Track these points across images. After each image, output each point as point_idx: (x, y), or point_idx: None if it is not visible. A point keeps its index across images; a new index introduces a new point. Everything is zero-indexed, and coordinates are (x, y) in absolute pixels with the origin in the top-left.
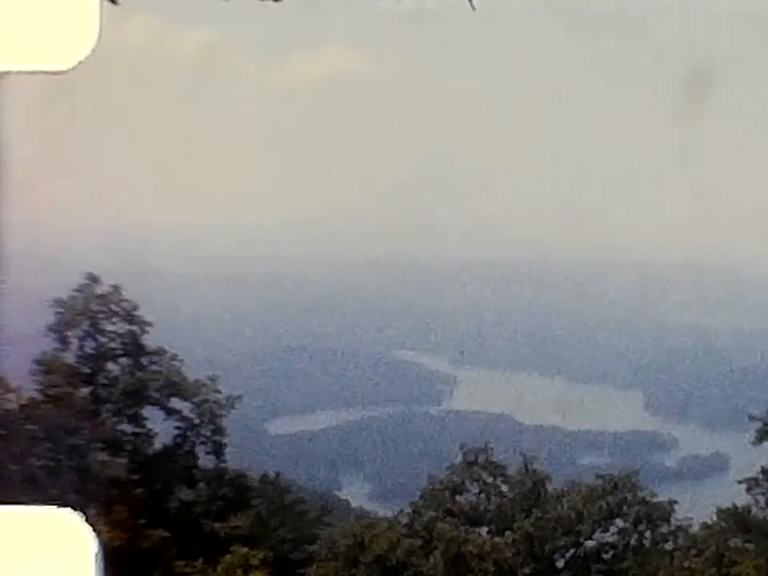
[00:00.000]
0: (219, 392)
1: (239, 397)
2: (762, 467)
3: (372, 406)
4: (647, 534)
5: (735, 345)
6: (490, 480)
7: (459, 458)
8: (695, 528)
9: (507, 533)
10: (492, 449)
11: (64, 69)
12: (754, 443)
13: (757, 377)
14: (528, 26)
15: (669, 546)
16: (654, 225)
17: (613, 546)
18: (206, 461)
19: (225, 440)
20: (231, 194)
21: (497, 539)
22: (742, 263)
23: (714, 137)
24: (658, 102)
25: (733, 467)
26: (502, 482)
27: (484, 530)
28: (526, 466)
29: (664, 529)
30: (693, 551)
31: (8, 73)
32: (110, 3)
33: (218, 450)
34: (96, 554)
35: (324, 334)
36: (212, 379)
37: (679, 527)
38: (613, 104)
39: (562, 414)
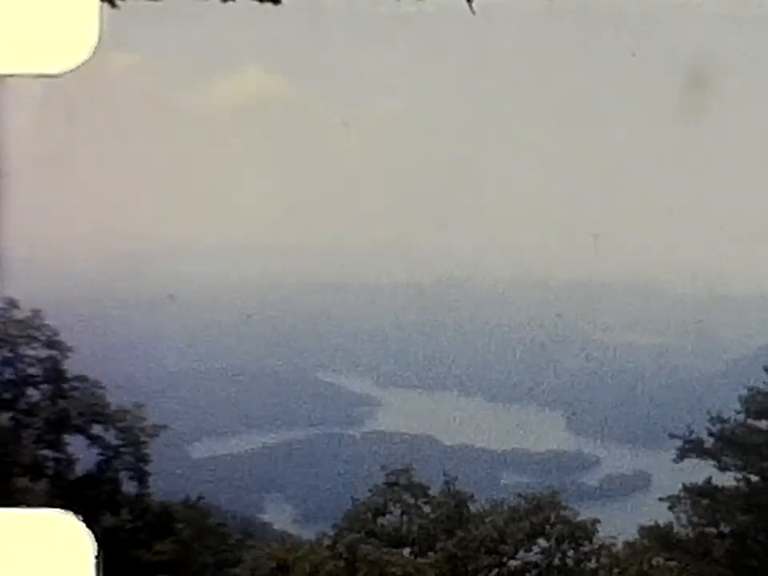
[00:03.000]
0: (144, 419)
1: (165, 426)
2: (684, 485)
3: (294, 428)
4: (570, 553)
5: (656, 363)
6: (412, 501)
7: (381, 480)
8: (618, 547)
9: (430, 553)
10: (414, 470)
11: (64, 72)
12: (675, 461)
13: (678, 395)
14: (528, 28)
15: (592, 564)
16: (576, 242)
17: (536, 566)
18: (129, 487)
19: (148, 466)
20: (151, 214)
21: (420, 560)
22: (664, 281)
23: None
24: (658, 104)
25: (655, 485)
26: (425, 502)
27: (407, 551)
28: (448, 487)
29: (587, 548)
30: (616, 570)
31: (8, 76)
32: (109, 7)
33: (141, 476)
34: (94, 557)
35: (245, 355)
36: (137, 406)
37: (602, 546)
38: (613, 107)
39: (483, 433)
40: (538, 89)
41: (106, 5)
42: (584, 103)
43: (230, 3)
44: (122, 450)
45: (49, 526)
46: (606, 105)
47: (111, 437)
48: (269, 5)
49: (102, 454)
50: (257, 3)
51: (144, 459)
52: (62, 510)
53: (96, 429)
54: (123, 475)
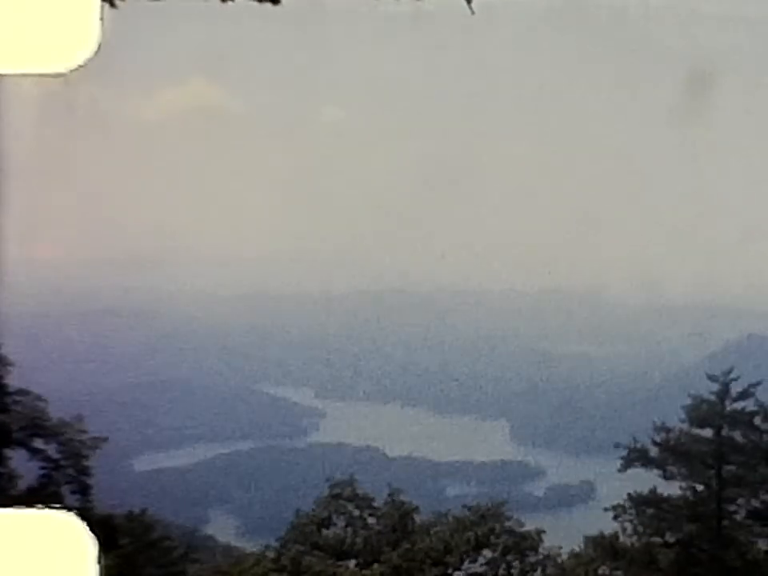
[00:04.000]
0: (85, 431)
1: (106, 438)
2: (629, 494)
3: (237, 441)
4: (516, 563)
5: (600, 372)
6: (356, 513)
7: (326, 492)
8: (564, 557)
9: (375, 565)
10: (358, 481)
11: (65, 71)
12: (619, 470)
13: (622, 404)
14: (528, 28)
15: (537, 575)
16: (524, 254)
17: None
18: (71, 500)
19: (90, 480)
20: (94, 229)
21: (365, 572)
22: (608, 291)
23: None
24: (658, 105)
25: (600, 495)
26: (369, 514)
27: (352, 563)
28: (392, 498)
29: (532, 558)
30: None
31: (8, 76)
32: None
33: (83, 489)
34: (95, 557)
35: (188, 368)
36: (78, 419)
37: (547, 556)
38: (613, 107)
39: (428, 445)
40: (537, 88)
41: (105, 5)
42: (584, 103)
43: (230, 3)
44: (62, 463)
45: (49, 526)
46: (606, 105)
47: (52, 450)
48: (268, 5)
49: (43, 468)
50: (256, 4)
51: (85, 472)
52: (63, 511)
53: (37, 442)
54: (66, 489)
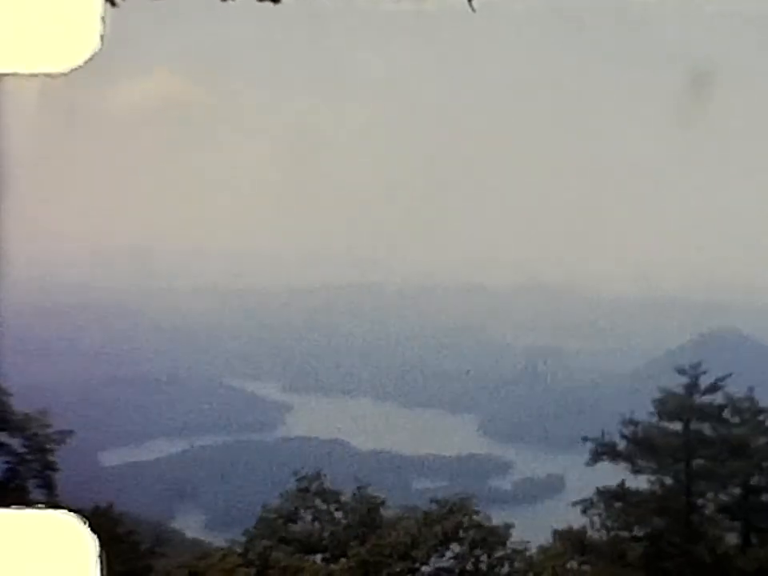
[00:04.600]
0: (49, 425)
1: (71, 431)
2: (597, 488)
3: (204, 435)
4: (483, 558)
5: (569, 366)
6: (324, 507)
7: (293, 486)
8: (532, 551)
9: (342, 559)
10: (325, 475)
11: (66, 71)
12: (588, 464)
13: (590, 398)
14: (528, 28)
15: (505, 569)
16: (496, 247)
17: (449, 571)
18: (37, 494)
19: (56, 474)
20: (61, 225)
21: (332, 566)
22: (582, 286)
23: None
24: (658, 105)
25: (568, 489)
26: (336, 508)
27: (319, 557)
28: (360, 492)
29: (500, 552)
30: (530, 574)
31: (9, 75)
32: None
33: (49, 484)
34: (97, 557)
35: (155, 362)
36: (42, 413)
37: (515, 550)
38: (612, 106)
39: (395, 438)
40: (537, 88)
41: (106, 4)
42: (583, 103)
43: (230, 3)
44: (27, 457)
45: (51, 526)
46: (606, 104)
47: (17, 444)
48: (269, 4)
49: (8, 462)
50: (257, 3)
51: (51, 466)
52: (64, 511)
53: (1, 436)
54: (31, 483)
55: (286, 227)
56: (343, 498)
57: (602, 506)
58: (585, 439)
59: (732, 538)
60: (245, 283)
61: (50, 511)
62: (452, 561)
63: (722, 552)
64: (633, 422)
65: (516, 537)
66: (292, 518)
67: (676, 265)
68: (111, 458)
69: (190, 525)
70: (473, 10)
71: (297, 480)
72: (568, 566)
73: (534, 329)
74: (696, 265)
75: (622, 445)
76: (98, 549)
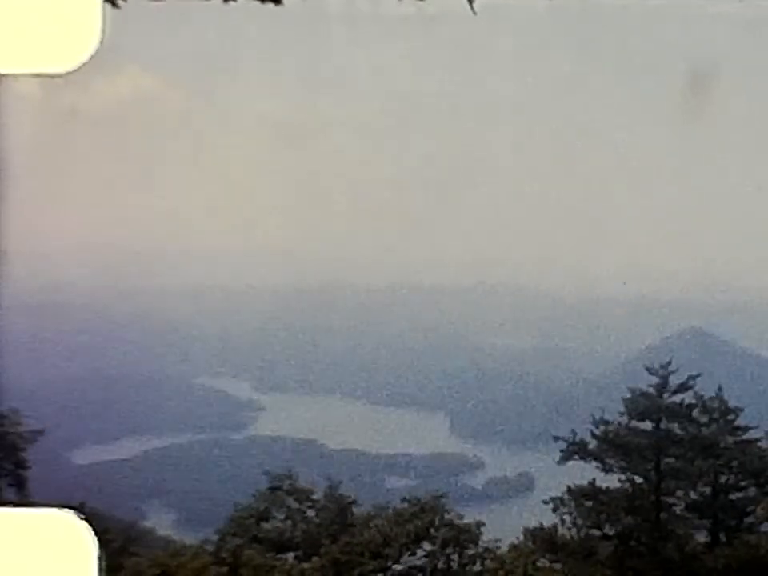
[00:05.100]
0: (20, 424)
1: (41, 431)
2: (568, 487)
3: (176, 434)
4: (455, 556)
5: (540, 365)
6: (296, 506)
7: (265, 485)
8: (503, 549)
9: (314, 558)
10: (297, 474)
11: (66, 71)
12: (558, 463)
13: (561, 397)
14: (528, 29)
15: (477, 567)
16: (469, 247)
17: (421, 570)
18: (8, 493)
19: (27, 472)
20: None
21: (304, 565)
22: (553, 287)
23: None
24: (658, 104)
25: (539, 487)
26: (308, 507)
27: (291, 555)
28: (332, 491)
29: (472, 551)
30: (501, 573)
31: (10, 76)
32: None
33: (20, 482)
34: (97, 556)
35: (126, 360)
36: (14, 412)
37: (487, 549)
38: (613, 106)
39: (367, 437)
40: (538, 89)
41: (107, 5)
42: (583, 104)
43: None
44: None
45: (51, 525)
46: (606, 104)
47: None
48: (270, 5)
49: None
50: (259, 4)
51: (22, 465)
52: (64, 510)
53: None
54: (2, 482)
55: (260, 226)
56: (315, 497)
57: (572, 504)
58: (556, 438)
59: (701, 537)
60: (216, 282)
61: (50, 510)
62: (424, 559)
63: (691, 550)
64: (603, 422)
65: (487, 535)
66: (264, 516)
67: (646, 265)
68: (83, 457)
69: (162, 523)
70: (474, 12)
71: (269, 479)
72: (539, 564)
73: (505, 329)
74: (666, 265)
75: (592, 444)
76: (97, 548)
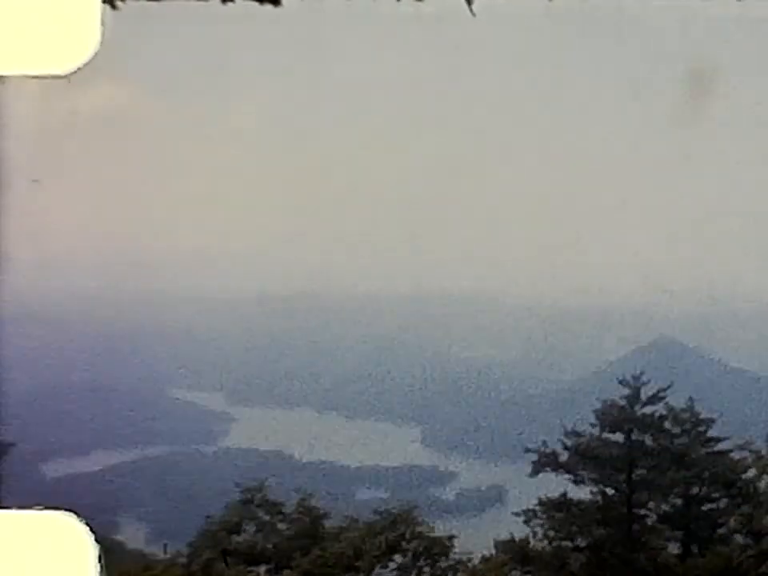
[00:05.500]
0: None
1: (13, 444)
2: (539, 498)
3: (148, 446)
4: (427, 569)
5: (511, 377)
6: (267, 518)
7: (236, 497)
8: (475, 561)
9: (286, 571)
10: (268, 486)
11: (66, 73)
12: (530, 475)
13: (533, 408)
14: (528, 29)
15: None
16: (438, 258)
17: None
18: None
19: None
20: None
21: None
22: (524, 297)
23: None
24: (658, 105)
25: (510, 499)
26: (280, 520)
27: (262, 568)
28: (303, 503)
29: (443, 563)
30: None
31: (11, 77)
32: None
33: None
34: (96, 557)
35: (96, 373)
36: None
37: (459, 561)
38: (613, 106)
39: (338, 449)
40: (537, 90)
41: (106, 6)
42: (584, 103)
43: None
44: None
45: (51, 527)
46: (606, 104)
47: None
48: (269, 6)
49: None
50: (258, 6)
51: None
52: (64, 512)
53: None
54: None
55: (231, 234)
56: (286, 510)
57: (544, 516)
58: (527, 450)
59: (673, 548)
60: (187, 293)
61: (50, 512)
62: (395, 572)
63: (663, 562)
64: (575, 433)
65: (459, 547)
66: (235, 529)
67: (617, 275)
68: (55, 469)
69: (133, 536)
70: (473, 14)
71: (240, 491)
72: (511, 575)
73: (476, 341)
74: (637, 275)
75: (564, 456)
76: (96, 549)
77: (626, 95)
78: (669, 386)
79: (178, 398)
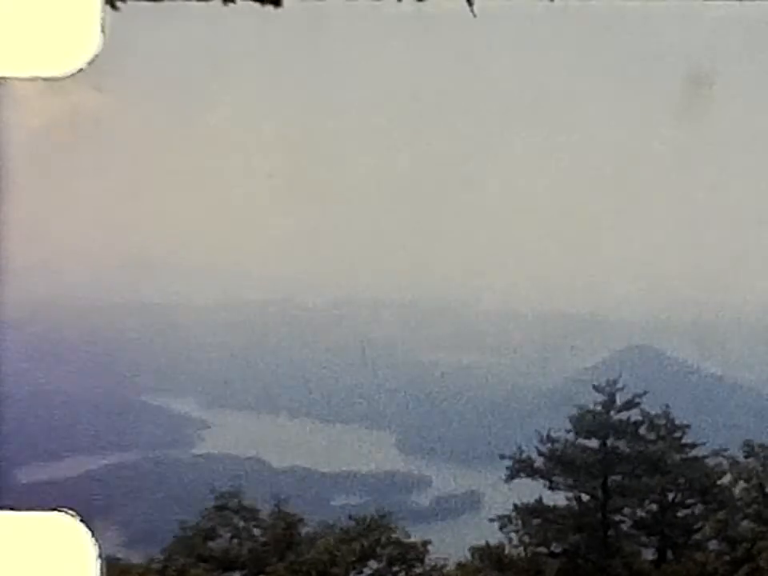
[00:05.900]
0: None
1: None
2: (515, 504)
3: (122, 452)
4: (402, 574)
5: (485, 382)
6: (242, 524)
7: (211, 503)
8: (450, 567)
9: None
10: (244, 492)
11: (66, 75)
12: (505, 481)
13: (508, 414)
14: (528, 29)
15: None
16: (412, 263)
17: None
18: None
19: None
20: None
21: None
22: (499, 303)
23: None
24: (658, 104)
25: (485, 505)
26: (255, 525)
27: (237, 574)
28: (278, 509)
29: (419, 569)
30: None
31: (11, 79)
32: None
33: None
34: (96, 558)
35: (71, 379)
36: None
37: (434, 567)
38: (613, 106)
39: (313, 455)
40: (538, 91)
41: (107, 8)
42: (584, 103)
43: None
44: None
45: (51, 527)
46: (606, 104)
47: None
48: (270, 7)
49: None
50: (259, 6)
51: None
52: (64, 513)
53: None
54: None
55: (202, 240)
56: (261, 516)
57: (519, 522)
58: (502, 456)
59: (649, 554)
60: (161, 299)
61: (51, 513)
62: None
63: (639, 567)
64: (550, 439)
65: (434, 553)
66: (210, 535)
67: (591, 282)
68: (29, 475)
69: (108, 542)
70: (474, 14)
71: (215, 497)
72: None
73: (452, 346)
74: (611, 282)
75: (539, 461)
76: (96, 550)
77: (626, 95)
78: (644, 392)
79: (152, 404)
